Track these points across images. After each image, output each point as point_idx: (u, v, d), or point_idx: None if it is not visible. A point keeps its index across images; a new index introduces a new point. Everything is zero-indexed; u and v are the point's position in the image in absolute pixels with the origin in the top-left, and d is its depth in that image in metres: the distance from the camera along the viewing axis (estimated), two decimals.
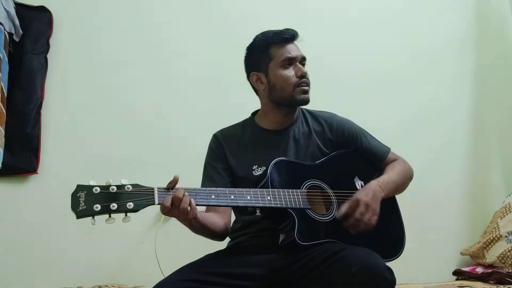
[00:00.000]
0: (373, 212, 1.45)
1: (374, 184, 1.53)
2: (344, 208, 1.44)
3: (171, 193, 1.28)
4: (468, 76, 2.88)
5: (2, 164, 2.18)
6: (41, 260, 2.24)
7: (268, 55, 1.62)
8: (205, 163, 1.67)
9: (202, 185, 1.62)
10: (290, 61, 1.60)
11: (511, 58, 2.93)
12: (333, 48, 2.69)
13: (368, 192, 1.48)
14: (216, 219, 1.54)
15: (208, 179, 1.62)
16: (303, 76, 1.59)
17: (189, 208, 1.29)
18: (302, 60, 1.63)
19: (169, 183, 1.30)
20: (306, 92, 1.60)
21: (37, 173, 2.31)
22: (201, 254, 1.52)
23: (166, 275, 1.39)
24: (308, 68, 1.65)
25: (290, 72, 1.60)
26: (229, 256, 1.51)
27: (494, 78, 2.91)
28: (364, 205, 1.43)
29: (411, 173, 1.72)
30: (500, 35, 2.97)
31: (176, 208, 1.28)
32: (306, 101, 1.61)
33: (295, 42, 1.64)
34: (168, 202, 1.27)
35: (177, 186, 1.31)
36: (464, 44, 2.91)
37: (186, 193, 1.29)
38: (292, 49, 1.61)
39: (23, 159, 2.29)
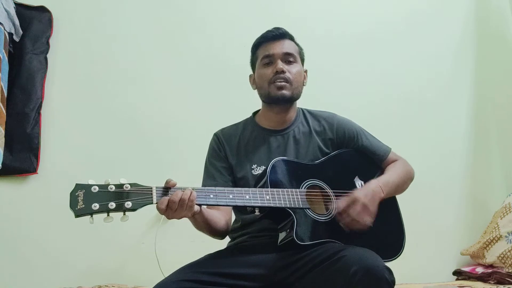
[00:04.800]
0: (369, 213, 1.44)
1: (374, 184, 1.52)
2: (341, 204, 1.44)
3: (169, 192, 1.28)
4: (468, 76, 2.88)
5: (2, 164, 2.19)
6: (41, 260, 2.24)
7: (256, 55, 1.66)
8: (206, 161, 1.68)
9: (203, 184, 1.63)
10: (270, 59, 1.60)
11: (511, 57, 2.93)
12: (333, 46, 2.70)
13: (368, 192, 1.47)
14: (218, 216, 1.55)
15: (209, 177, 1.62)
16: (278, 72, 1.58)
17: (185, 207, 1.27)
18: (285, 56, 1.60)
19: (166, 183, 1.29)
20: (282, 88, 1.57)
21: (37, 173, 2.31)
22: (201, 254, 1.51)
23: (166, 275, 1.38)
24: (306, 65, 1.65)
25: (268, 70, 1.60)
26: (229, 256, 1.50)
27: (494, 77, 2.91)
28: (361, 205, 1.43)
29: (412, 174, 1.71)
30: (500, 34, 2.97)
31: (171, 210, 1.27)
32: (282, 97, 1.58)
33: (287, 40, 1.63)
34: (163, 205, 1.26)
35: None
36: (464, 43, 2.91)
37: (183, 196, 1.27)
38: (272, 47, 1.61)
39: (23, 159, 2.29)
